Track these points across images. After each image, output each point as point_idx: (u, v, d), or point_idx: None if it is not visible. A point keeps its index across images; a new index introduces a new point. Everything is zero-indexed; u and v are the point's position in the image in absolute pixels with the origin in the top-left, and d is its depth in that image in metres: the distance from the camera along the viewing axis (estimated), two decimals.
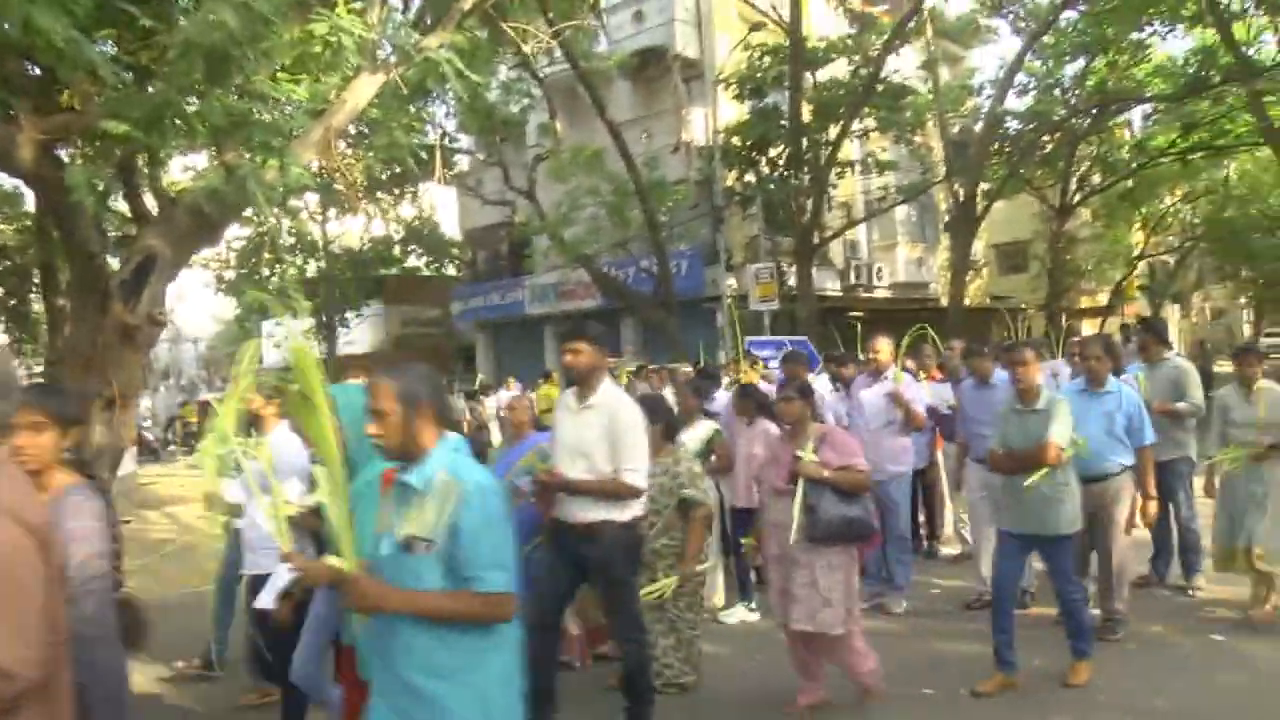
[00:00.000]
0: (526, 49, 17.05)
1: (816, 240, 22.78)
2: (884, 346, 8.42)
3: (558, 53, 20.39)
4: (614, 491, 5.42)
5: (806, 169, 22.19)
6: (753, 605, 8.26)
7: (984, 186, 25.63)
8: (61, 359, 14.41)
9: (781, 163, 22.85)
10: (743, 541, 7.58)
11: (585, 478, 5.46)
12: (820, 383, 9.67)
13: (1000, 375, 7.77)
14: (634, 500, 5.50)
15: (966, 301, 25.95)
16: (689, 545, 6.32)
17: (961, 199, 25.24)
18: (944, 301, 28.28)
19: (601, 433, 5.44)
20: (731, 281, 24.31)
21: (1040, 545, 6.37)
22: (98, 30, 10.34)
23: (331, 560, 3.20)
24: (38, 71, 11.22)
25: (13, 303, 25.19)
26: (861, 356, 9.20)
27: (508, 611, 3.14)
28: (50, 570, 2.27)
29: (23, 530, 2.18)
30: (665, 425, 6.48)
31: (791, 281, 22.73)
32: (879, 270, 29.10)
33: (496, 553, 3.10)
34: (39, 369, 26.77)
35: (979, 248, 30.63)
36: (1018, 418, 6.39)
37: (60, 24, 9.02)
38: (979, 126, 26.17)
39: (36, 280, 23.82)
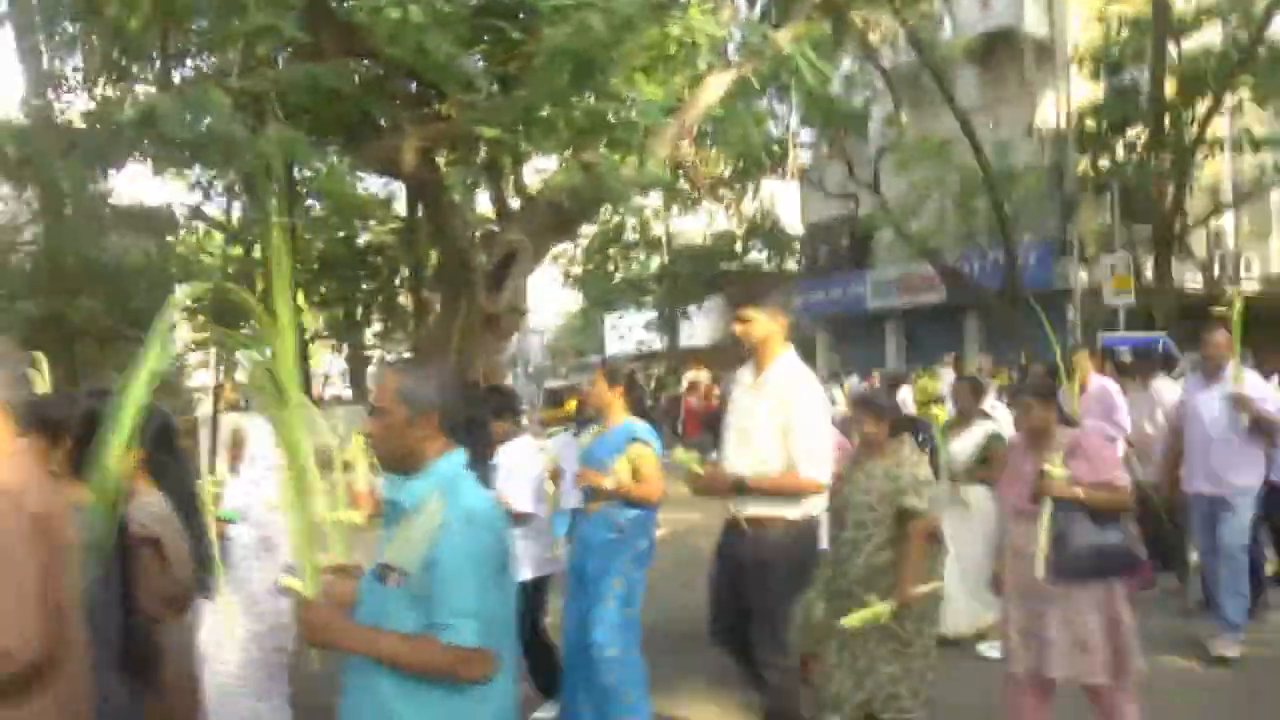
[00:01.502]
0: (873, 38, 17.09)
1: (1178, 229, 21.28)
2: (1222, 340, 7.12)
3: (901, 42, 20.10)
4: (786, 489, 4.68)
5: (1168, 150, 20.75)
6: None
7: None
8: (426, 345, 15.63)
9: (1140, 144, 21.47)
10: None
11: (752, 470, 4.71)
12: (1168, 386, 8.90)
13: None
14: (811, 498, 4.75)
15: None
16: (904, 564, 5.14)
17: None
18: None
19: (773, 418, 4.68)
20: (1084, 275, 23.13)
21: None
22: (473, 46, 11.16)
23: (288, 581, 2.75)
24: (418, 85, 12.23)
25: (383, 296, 27.37)
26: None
27: (478, 670, 2.62)
28: (51, 555, 2.32)
29: (21, 514, 2.26)
30: (890, 422, 5.51)
31: (1149, 275, 21.35)
32: (1248, 262, 26.86)
33: (472, 598, 2.58)
34: (407, 355, 29.05)
35: None
36: None
37: (445, 43, 9.80)
38: None
39: (404, 276, 25.83)
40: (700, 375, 30.44)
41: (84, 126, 13.42)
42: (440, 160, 13.30)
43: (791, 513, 4.67)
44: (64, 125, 14.59)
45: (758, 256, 34.89)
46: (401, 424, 2.73)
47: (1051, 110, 24.31)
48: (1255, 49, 19.41)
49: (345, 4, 10.62)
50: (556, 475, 6.57)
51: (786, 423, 4.62)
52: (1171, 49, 20.59)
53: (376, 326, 29.89)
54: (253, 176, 19.73)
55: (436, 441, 2.76)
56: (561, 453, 6.79)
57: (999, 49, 24.77)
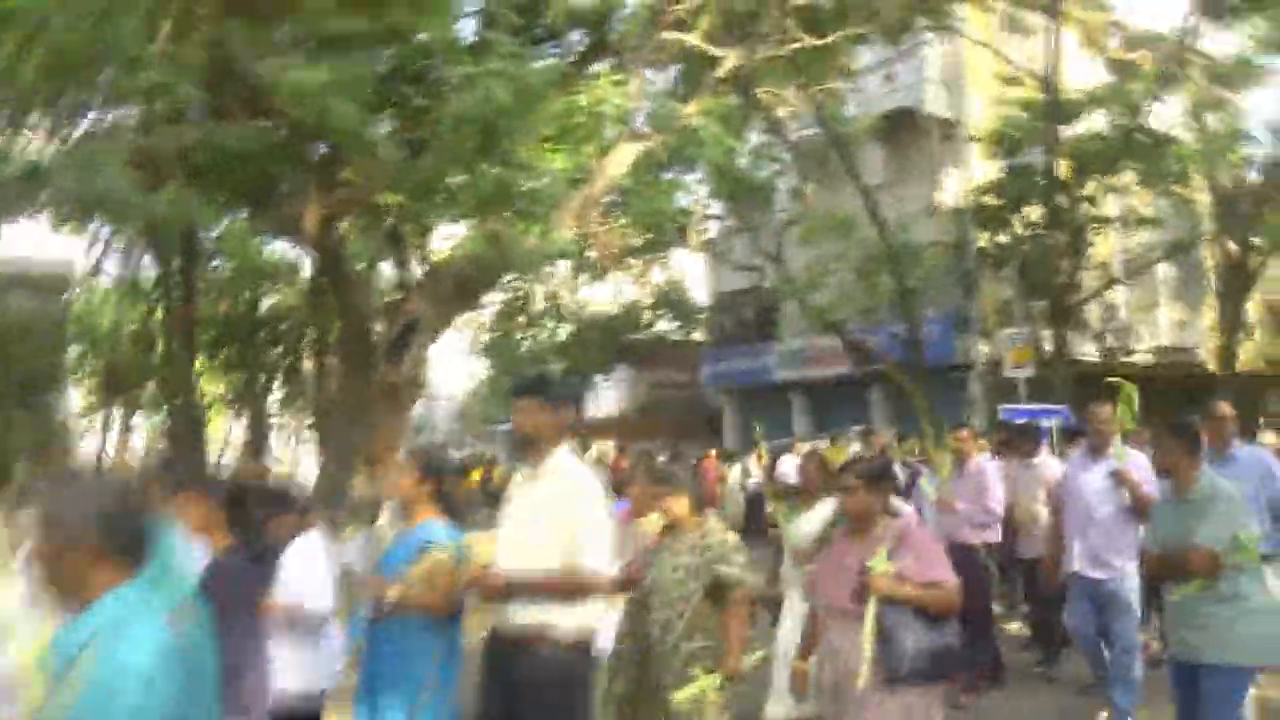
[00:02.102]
0: (779, 113, 17.37)
1: (1073, 302, 21.89)
2: (1106, 415, 7.04)
3: (809, 117, 20.47)
4: (564, 588, 4.21)
5: (1063, 228, 21.40)
6: None
7: (1257, 241, 24.05)
8: (327, 413, 15.39)
9: (1037, 222, 22.09)
10: None
11: (527, 568, 4.26)
12: (1052, 463, 9.08)
13: (1250, 450, 6.69)
14: (589, 604, 4.29)
15: (1238, 368, 24.33)
16: (729, 636, 4.84)
17: (1232, 255, 23.80)
18: (1212, 367, 26.64)
19: (550, 512, 4.30)
20: (985, 348, 23.61)
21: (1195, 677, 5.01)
22: (379, 111, 11.11)
23: None
24: (322, 150, 12.11)
25: (288, 360, 26.92)
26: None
27: None
28: None
29: None
30: (693, 496, 5.18)
31: (1048, 346, 21.86)
32: (1139, 333, 27.68)
33: None
34: (309, 423, 28.52)
35: (1251, 308, 28.68)
36: (1171, 509, 5.30)
37: (349, 108, 9.72)
38: (1253, 175, 24.54)
39: (309, 342, 25.43)
40: (606, 446, 30.36)
41: None
42: (344, 226, 13.14)
43: (567, 623, 4.19)
44: None
45: (665, 326, 35.05)
46: (51, 557, 2.27)
47: (953, 188, 24.94)
48: (1135, 135, 20.37)
49: (248, 65, 10.45)
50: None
51: (565, 515, 4.24)
52: (1065, 131, 21.35)
53: (279, 393, 29.35)
54: (154, 235, 19.44)
55: (102, 573, 2.24)
56: (357, 554, 6.56)
57: (902, 127, 25.38)
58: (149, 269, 24.29)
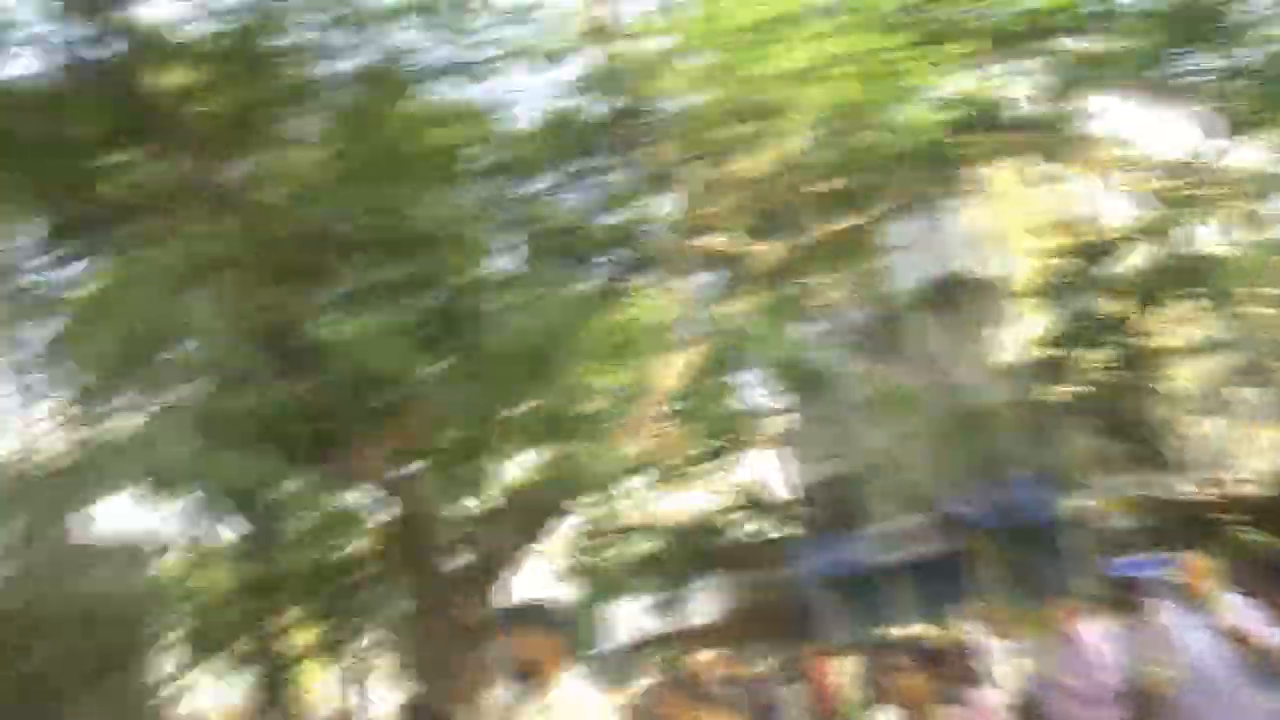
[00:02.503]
0: (826, 298, 17.44)
1: (1154, 438, 21.20)
2: (1197, 565, 6.26)
3: (857, 297, 20.54)
4: None
5: (1129, 365, 20.90)
6: None
7: None
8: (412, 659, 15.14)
9: (1102, 363, 21.53)
10: None
11: None
12: None
13: None
14: None
15: None
16: None
17: None
18: None
19: None
20: (1078, 501, 22.78)
21: None
22: (425, 351, 11.28)
23: None
24: (379, 397, 12.28)
25: (372, 608, 26.77)
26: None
27: None
28: None
29: None
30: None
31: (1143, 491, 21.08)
32: (1237, 461, 26.62)
33: None
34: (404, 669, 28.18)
35: None
36: None
37: (393, 357, 9.90)
38: None
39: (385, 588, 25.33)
40: (709, 655, 29.56)
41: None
42: (411, 468, 13.23)
43: None
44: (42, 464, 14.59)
45: (752, 526, 34.58)
46: None
47: (1009, 344, 24.65)
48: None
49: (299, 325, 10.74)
50: None
51: None
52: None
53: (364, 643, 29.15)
54: (233, 498, 19.79)
55: None
56: None
57: (949, 293, 25.33)
58: (232, 531, 24.75)
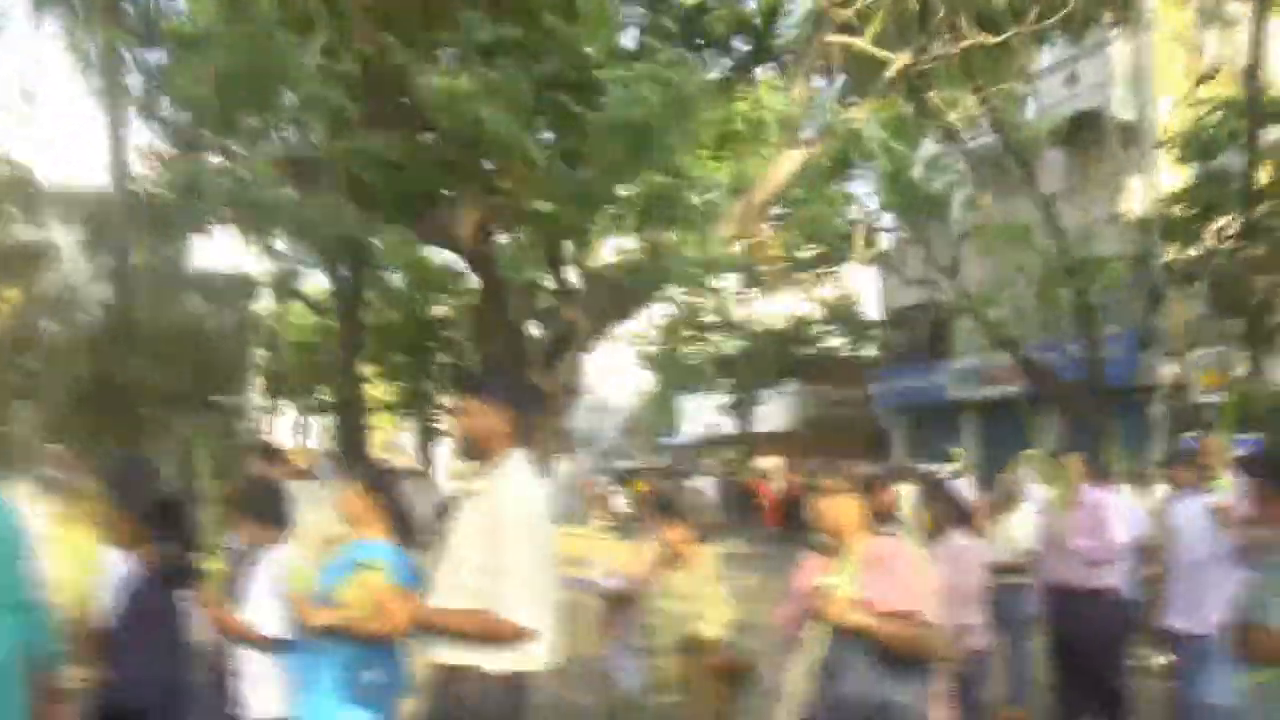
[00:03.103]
0: (952, 117, 16.65)
1: (1272, 322, 20.36)
2: (1214, 448, 6.26)
3: (985, 123, 19.67)
4: (477, 630, 3.58)
5: (1261, 240, 19.88)
6: None
7: None
8: None
9: (1232, 234, 20.61)
10: None
11: (451, 600, 3.65)
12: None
13: None
14: (520, 646, 3.59)
15: None
16: (692, 707, 4.09)
17: None
18: None
19: (479, 543, 3.62)
20: (1171, 369, 22.25)
21: None
22: (533, 119, 10.98)
23: None
24: (476, 159, 12.07)
25: (454, 369, 27.30)
26: None
27: None
28: None
29: None
30: (687, 523, 4.33)
31: (1240, 371, 20.40)
32: None
33: None
34: None
35: None
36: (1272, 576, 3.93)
37: (500, 117, 9.61)
38: None
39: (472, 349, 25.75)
40: (773, 461, 29.93)
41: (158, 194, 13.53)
42: (500, 236, 13.11)
43: (491, 663, 3.56)
44: (141, 194, 14.72)
45: (836, 342, 34.43)
46: None
47: (1139, 196, 23.60)
48: None
49: (404, 76, 10.45)
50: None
51: (491, 554, 3.57)
52: (1267, 132, 19.87)
53: (446, 400, 29.83)
54: (324, 247, 20.00)
55: None
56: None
57: (1085, 132, 24.18)
58: (326, 280, 25.18)
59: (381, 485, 4.24)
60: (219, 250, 18.95)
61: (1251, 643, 3.71)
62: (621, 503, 24.81)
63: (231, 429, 25.29)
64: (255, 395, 29.26)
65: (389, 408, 31.37)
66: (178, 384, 17.44)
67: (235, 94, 9.63)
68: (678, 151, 10.64)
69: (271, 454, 5.28)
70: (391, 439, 34.32)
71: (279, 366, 26.44)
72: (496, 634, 3.53)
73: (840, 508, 3.58)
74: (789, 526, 24.67)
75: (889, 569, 3.46)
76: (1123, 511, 7.27)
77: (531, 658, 3.61)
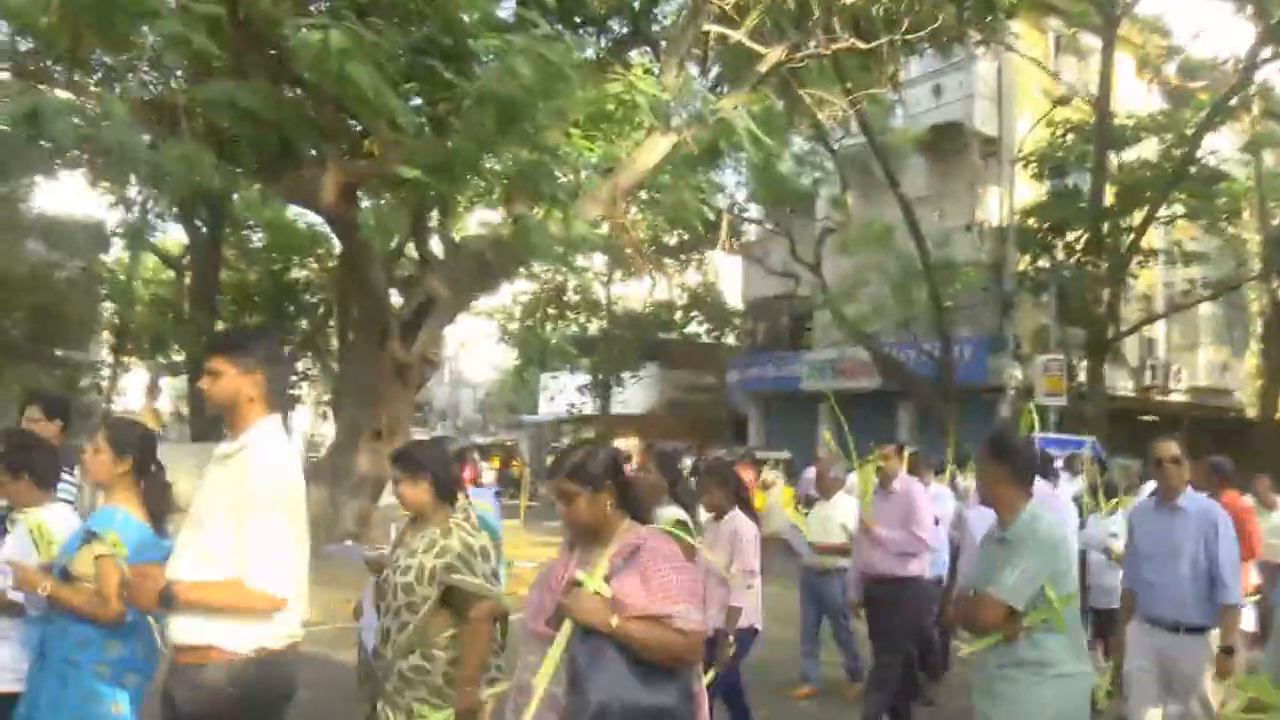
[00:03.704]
0: (822, 117, 16.97)
1: (1111, 334, 21.36)
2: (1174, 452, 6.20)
3: (854, 125, 20.09)
4: (226, 603, 3.34)
5: (1105, 256, 20.87)
6: None
7: None
8: (341, 390, 15.24)
9: (1079, 248, 21.57)
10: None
11: (194, 573, 3.37)
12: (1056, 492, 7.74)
13: (1204, 504, 5.63)
14: (262, 620, 3.37)
15: (1279, 415, 23.68)
16: (467, 658, 3.90)
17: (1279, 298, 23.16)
18: (1250, 412, 26.00)
19: (226, 508, 3.39)
20: (1017, 373, 23.09)
21: None
22: (404, 84, 10.82)
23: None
24: (343, 119, 11.86)
25: (311, 334, 26.84)
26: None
27: None
28: None
29: None
30: (432, 479, 4.14)
31: (1082, 377, 21.35)
32: (1177, 372, 27.06)
33: None
34: (327, 398, 28.42)
35: None
36: (989, 547, 4.37)
37: (369, 76, 9.44)
38: None
39: (332, 316, 25.39)
40: (630, 442, 30.11)
41: None
42: (364, 200, 12.93)
43: (232, 642, 3.31)
44: None
45: (697, 328, 34.80)
46: None
47: (995, 206, 24.41)
48: (1187, 167, 19.82)
49: (272, 26, 10.19)
50: None
51: (239, 518, 3.33)
52: (1114, 157, 20.86)
53: (302, 367, 29.28)
54: (183, 199, 19.41)
55: None
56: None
57: (947, 142, 24.88)
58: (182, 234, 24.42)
59: (140, 449, 3.99)
60: (68, 196, 18.27)
61: (972, 612, 4.12)
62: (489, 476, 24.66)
63: (75, 384, 24.47)
64: (102, 351, 28.30)
65: None
66: (18, 335, 16.78)
67: (85, 24, 9.24)
68: (548, 127, 10.62)
69: (53, 409, 4.95)
70: None
71: (130, 322, 25.54)
72: (246, 605, 3.32)
73: (590, 504, 3.32)
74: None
75: (644, 567, 3.22)
76: (930, 502, 7.51)
77: (280, 629, 3.40)
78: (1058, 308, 21.56)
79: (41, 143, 9.22)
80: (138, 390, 34.51)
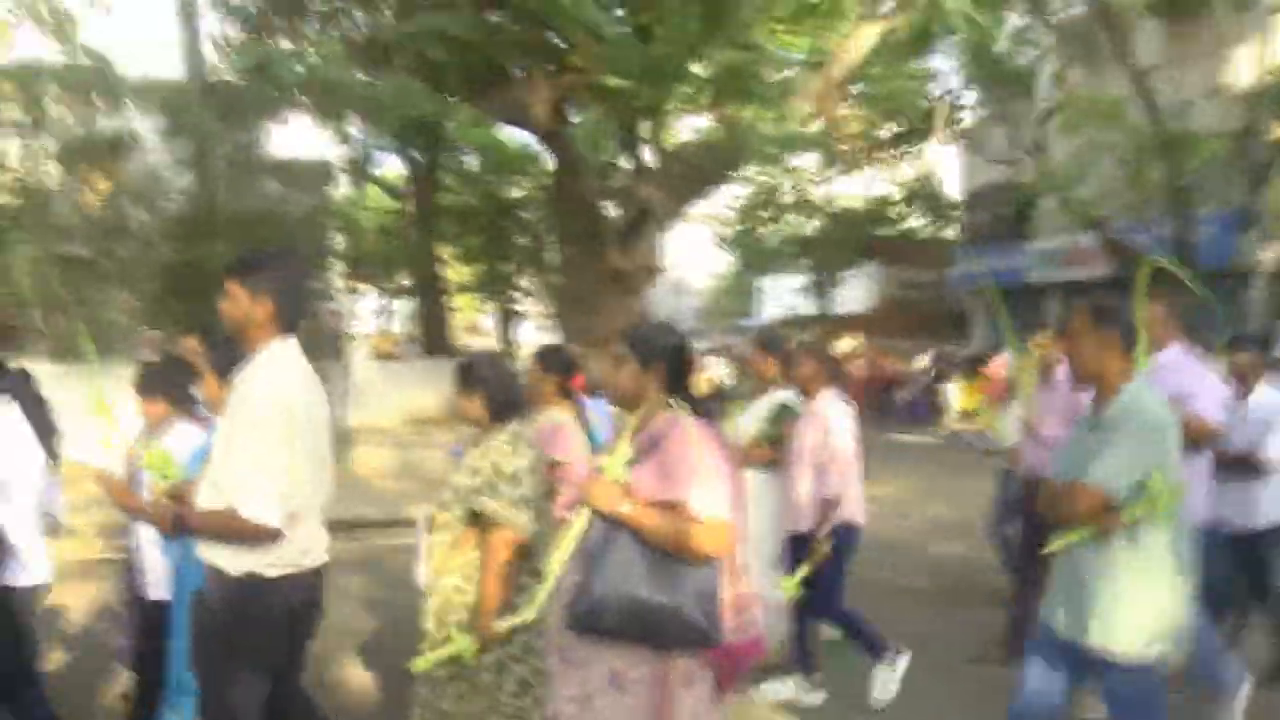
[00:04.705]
0: None
1: None
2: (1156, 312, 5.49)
3: None
4: (221, 528, 3.38)
5: None
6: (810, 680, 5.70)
7: None
8: (563, 302, 15.55)
9: None
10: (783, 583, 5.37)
11: (206, 498, 3.46)
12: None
13: (1179, 358, 5.23)
14: (257, 545, 3.35)
15: None
16: (480, 586, 3.74)
17: None
18: None
19: (229, 425, 3.41)
20: (1272, 253, 21.53)
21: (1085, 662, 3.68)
22: None
23: None
24: (548, 36, 11.93)
25: (532, 250, 27.41)
26: None
27: None
28: None
29: None
30: (486, 395, 3.98)
31: None
32: None
33: None
34: (551, 311, 29.09)
35: None
36: (1081, 434, 3.81)
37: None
38: None
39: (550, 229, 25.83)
40: (852, 342, 29.77)
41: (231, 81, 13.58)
42: (575, 113, 13.03)
43: (230, 564, 3.36)
44: (217, 82, 14.80)
45: (916, 222, 33.91)
46: None
47: (1245, 69, 22.59)
48: None
49: None
50: None
51: (236, 448, 3.34)
52: None
53: (525, 282, 29.98)
54: (403, 131, 20.04)
55: None
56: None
57: (1186, 2, 23.11)
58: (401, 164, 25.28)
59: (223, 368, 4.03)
60: (296, 137, 19.10)
61: (1062, 501, 3.65)
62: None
63: (314, 312, 25.77)
64: (336, 279, 29.69)
65: (469, 290, 31.62)
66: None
67: None
68: (752, 25, 10.43)
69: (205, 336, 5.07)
70: (473, 320, 34.66)
71: (358, 251, 26.71)
72: (235, 533, 3.32)
73: (633, 376, 3.20)
74: (871, 407, 24.70)
75: (666, 452, 3.06)
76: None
77: (278, 556, 3.37)
78: None
79: (270, 90, 9.64)
80: (370, 314, 36.05)
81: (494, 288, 30.14)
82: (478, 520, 3.75)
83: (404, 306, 30.95)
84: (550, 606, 3.24)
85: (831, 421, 5.59)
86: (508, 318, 31.87)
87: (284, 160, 22.19)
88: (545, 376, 4.87)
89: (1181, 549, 3.60)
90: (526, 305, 32.44)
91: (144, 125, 16.32)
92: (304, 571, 3.48)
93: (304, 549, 3.46)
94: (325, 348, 21.74)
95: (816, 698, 5.62)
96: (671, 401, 3.20)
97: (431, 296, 24.91)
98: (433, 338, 24.76)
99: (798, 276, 34.58)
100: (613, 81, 10.37)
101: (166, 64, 17.42)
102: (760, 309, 39.69)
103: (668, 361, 3.21)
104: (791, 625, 5.73)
